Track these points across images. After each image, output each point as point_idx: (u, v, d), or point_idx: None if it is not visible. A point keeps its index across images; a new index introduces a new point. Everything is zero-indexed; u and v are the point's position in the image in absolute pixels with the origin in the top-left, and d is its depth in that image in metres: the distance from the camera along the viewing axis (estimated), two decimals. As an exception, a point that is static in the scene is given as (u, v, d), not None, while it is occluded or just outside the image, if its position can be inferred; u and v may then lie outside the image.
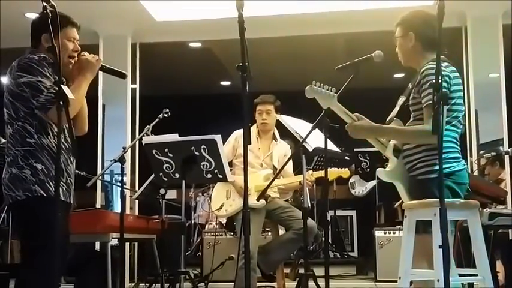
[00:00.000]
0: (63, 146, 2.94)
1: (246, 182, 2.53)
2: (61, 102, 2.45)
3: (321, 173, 4.53)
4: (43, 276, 2.64)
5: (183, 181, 3.86)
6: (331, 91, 2.94)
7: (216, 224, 6.56)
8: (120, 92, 6.61)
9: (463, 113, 2.93)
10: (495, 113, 6.17)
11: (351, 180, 8.12)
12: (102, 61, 3.13)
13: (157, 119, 4.51)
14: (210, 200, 5.11)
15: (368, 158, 6.12)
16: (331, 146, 4.07)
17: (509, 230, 5.27)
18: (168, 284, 4.13)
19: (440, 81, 2.35)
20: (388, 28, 3.11)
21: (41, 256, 2.77)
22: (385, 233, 5.96)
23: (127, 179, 6.40)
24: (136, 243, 6.37)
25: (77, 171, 3.26)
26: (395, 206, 6.70)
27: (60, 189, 2.92)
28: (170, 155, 3.87)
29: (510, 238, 5.35)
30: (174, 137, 3.91)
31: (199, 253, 6.47)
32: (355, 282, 6.30)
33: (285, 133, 4.69)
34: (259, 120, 4.81)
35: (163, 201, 4.62)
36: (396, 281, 2.76)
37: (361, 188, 8.04)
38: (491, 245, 4.15)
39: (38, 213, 2.81)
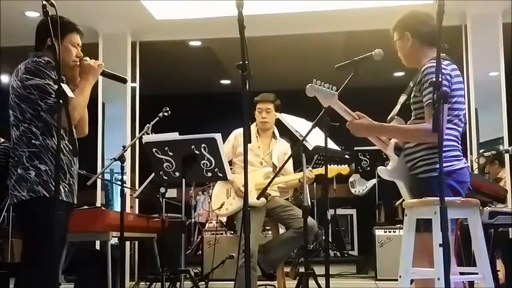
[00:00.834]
0: (67, 148, 3.01)
1: (246, 181, 2.52)
2: (61, 101, 2.48)
3: (321, 170, 4.52)
4: (45, 275, 2.68)
5: (183, 180, 3.87)
6: (332, 89, 2.94)
7: (216, 222, 6.56)
8: (120, 91, 6.60)
9: (464, 111, 2.93)
10: (495, 111, 6.18)
11: (351, 179, 8.09)
12: (103, 66, 3.20)
13: (157, 118, 4.51)
14: (210, 199, 5.11)
15: (368, 156, 6.11)
16: (332, 145, 4.07)
17: (510, 229, 5.27)
18: (169, 283, 4.13)
19: (440, 79, 2.35)
20: (388, 26, 3.10)
21: (43, 255, 2.80)
22: (385, 232, 5.95)
23: (127, 177, 6.40)
24: (136, 242, 6.38)
25: (77, 170, 3.28)
26: (396, 204, 6.70)
27: (63, 190, 2.99)
28: (170, 153, 3.87)
29: (510, 237, 5.35)
30: (174, 136, 3.91)
31: (200, 252, 6.47)
32: (356, 281, 6.30)
33: (283, 131, 4.69)
34: (258, 118, 4.81)
35: (164, 200, 4.63)
36: (396, 280, 2.76)
37: (361, 186, 8.02)
38: (492, 243, 4.15)
39: (41, 213, 2.86)
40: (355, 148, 5.98)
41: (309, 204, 4.63)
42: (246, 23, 2.50)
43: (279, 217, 4.67)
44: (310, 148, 3.90)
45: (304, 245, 4.00)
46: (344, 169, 4.61)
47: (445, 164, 2.40)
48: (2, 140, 3.20)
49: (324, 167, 3.90)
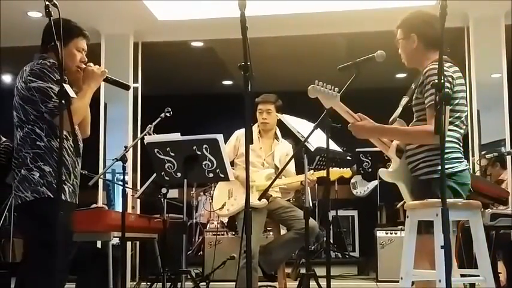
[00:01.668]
0: (71, 149, 3.03)
1: (247, 182, 2.53)
2: (63, 101, 2.49)
3: (323, 173, 4.52)
4: (48, 276, 2.67)
5: (185, 180, 3.87)
6: (334, 91, 2.94)
7: (218, 223, 6.57)
8: (122, 91, 6.52)
9: (466, 113, 2.93)
10: (497, 113, 6.17)
11: (352, 181, 8.11)
12: (107, 72, 3.22)
13: (159, 118, 4.51)
14: (212, 200, 5.11)
15: (370, 158, 6.10)
16: (333, 146, 4.07)
17: (511, 231, 5.26)
18: (170, 284, 4.13)
19: (442, 81, 2.35)
20: (390, 28, 3.10)
21: (48, 256, 2.79)
22: (386, 233, 5.95)
23: (129, 178, 6.41)
24: (137, 243, 6.38)
25: (80, 171, 3.29)
26: (398, 206, 6.71)
27: (68, 191, 3.01)
28: (172, 154, 3.87)
29: (512, 239, 5.35)
30: (175, 136, 3.91)
31: (201, 252, 6.47)
32: (357, 283, 6.29)
33: (286, 133, 4.69)
34: (259, 119, 4.81)
35: (165, 200, 4.62)
36: (398, 281, 2.76)
37: (362, 188, 8.03)
38: (493, 245, 4.15)
39: (45, 214, 2.86)
40: (357, 149, 5.98)
41: (310, 205, 4.64)
42: (249, 23, 2.50)
43: (281, 218, 4.67)
44: (312, 149, 3.90)
45: (306, 246, 4.00)
46: (346, 172, 4.61)
47: (446, 166, 2.40)
48: (4, 139, 3.21)
49: (326, 169, 3.90)
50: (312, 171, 4.64)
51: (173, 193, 4.93)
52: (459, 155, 2.86)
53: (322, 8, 6.17)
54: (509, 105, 6.17)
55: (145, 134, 4.37)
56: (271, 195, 4.65)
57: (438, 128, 2.33)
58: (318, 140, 3.85)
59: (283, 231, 4.94)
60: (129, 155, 5.88)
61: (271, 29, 6.49)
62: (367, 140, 3.01)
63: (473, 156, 6.08)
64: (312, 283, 3.84)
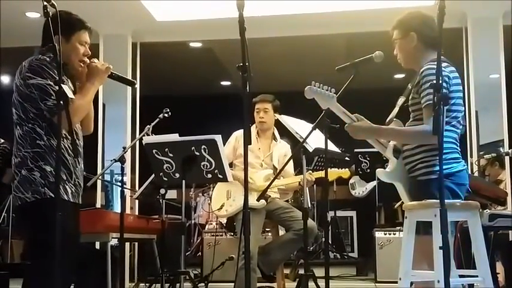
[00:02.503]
0: (71, 148, 2.96)
1: (246, 182, 2.53)
2: (61, 102, 2.46)
3: (321, 173, 4.53)
4: (50, 278, 2.64)
5: (183, 181, 3.87)
6: (331, 91, 2.94)
7: (216, 224, 6.56)
8: (121, 92, 6.60)
9: (463, 113, 2.93)
10: (495, 113, 6.16)
11: (351, 181, 8.10)
12: (111, 69, 3.15)
13: (157, 119, 4.50)
14: (210, 200, 5.11)
15: (368, 158, 6.12)
16: (332, 147, 4.07)
17: (510, 231, 5.27)
18: (168, 284, 4.13)
19: (440, 81, 2.35)
20: (388, 28, 3.10)
21: (50, 258, 2.76)
22: (385, 234, 5.95)
23: (127, 178, 6.40)
24: (136, 243, 6.37)
25: (82, 170, 3.26)
26: (396, 206, 6.71)
27: (70, 191, 2.95)
28: (170, 155, 3.87)
29: (510, 239, 5.35)
30: (174, 137, 3.91)
31: (200, 253, 6.47)
32: (355, 283, 6.30)
33: (283, 132, 4.69)
34: (257, 118, 4.81)
35: (164, 201, 4.62)
36: (396, 282, 2.76)
37: (361, 188, 8.02)
38: (492, 246, 4.15)
39: (47, 214, 2.79)
40: (355, 150, 5.99)
41: (309, 206, 4.65)
42: (247, 24, 2.50)
43: (279, 219, 4.67)
44: (311, 150, 3.90)
45: (304, 247, 4.01)
46: (344, 173, 4.61)
47: (443, 167, 2.39)
48: (2, 140, 3.19)
49: (324, 169, 3.90)
50: (310, 172, 4.64)
51: (172, 194, 4.92)
52: (457, 155, 2.86)
53: (321, 8, 6.17)
54: (508, 106, 6.17)
55: (144, 135, 4.37)
56: (270, 196, 4.65)
57: (436, 128, 2.32)
58: (316, 140, 3.85)
59: (281, 231, 4.94)
60: (128, 156, 5.88)
61: (269, 30, 6.48)
62: (365, 140, 3.01)
63: (471, 156, 6.08)
64: (311, 284, 3.84)
